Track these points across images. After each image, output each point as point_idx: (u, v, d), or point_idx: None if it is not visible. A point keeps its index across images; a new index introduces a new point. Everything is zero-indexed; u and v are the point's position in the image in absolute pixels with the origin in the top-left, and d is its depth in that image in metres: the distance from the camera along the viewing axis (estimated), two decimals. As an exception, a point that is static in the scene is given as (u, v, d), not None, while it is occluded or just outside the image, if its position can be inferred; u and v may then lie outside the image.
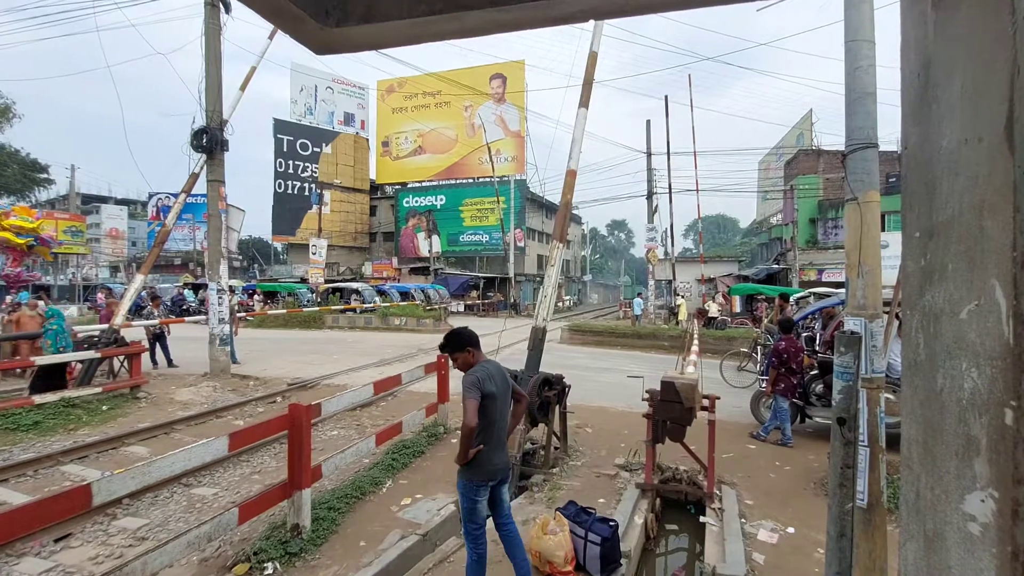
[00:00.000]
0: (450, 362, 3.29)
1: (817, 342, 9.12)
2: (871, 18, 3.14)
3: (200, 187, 11.44)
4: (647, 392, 4.82)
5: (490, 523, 3.25)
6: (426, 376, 7.20)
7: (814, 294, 11.65)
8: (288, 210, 41.10)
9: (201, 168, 10.89)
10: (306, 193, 40.87)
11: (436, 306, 26.37)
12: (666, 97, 21.73)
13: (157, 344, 11.55)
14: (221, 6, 10.65)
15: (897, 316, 2.98)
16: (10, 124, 39.58)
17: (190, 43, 12.09)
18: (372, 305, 23.82)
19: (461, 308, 31.54)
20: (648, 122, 25.07)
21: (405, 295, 27.21)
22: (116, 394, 8.50)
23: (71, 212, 41.33)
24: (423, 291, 28.83)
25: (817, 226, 27.36)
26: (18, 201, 38.38)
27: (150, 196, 45.85)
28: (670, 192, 22.38)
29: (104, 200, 55.64)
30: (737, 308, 23.52)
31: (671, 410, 4.58)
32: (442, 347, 3.29)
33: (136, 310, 13.38)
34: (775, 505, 4.94)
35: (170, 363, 11.49)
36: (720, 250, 56.81)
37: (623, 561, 3.71)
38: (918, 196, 0.84)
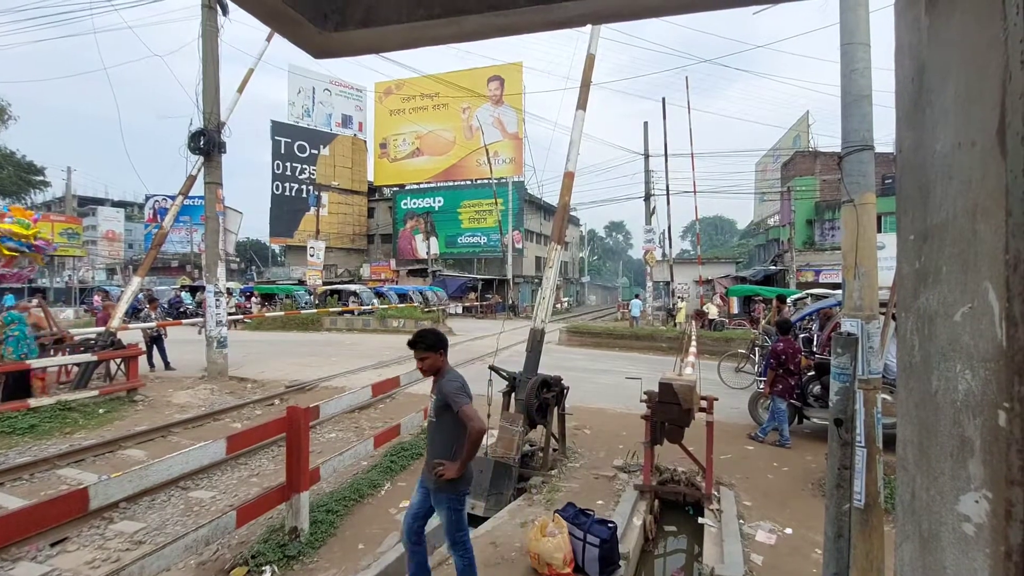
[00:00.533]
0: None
1: (815, 343, 9.16)
2: (867, 22, 3.17)
3: (197, 189, 11.43)
4: (645, 393, 4.82)
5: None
6: (424, 378, 7.17)
7: (811, 295, 11.69)
8: (286, 212, 41.04)
9: (198, 170, 10.88)
10: (304, 195, 40.78)
11: (434, 308, 26.37)
12: (663, 99, 21.84)
13: (154, 347, 11.50)
14: (218, 8, 10.65)
15: (894, 317, 2.99)
16: (5, 126, 39.57)
17: (187, 45, 12.07)
18: (370, 307, 23.78)
19: (459, 310, 31.52)
20: (646, 124, 25.16)
21: (403, 297, 27.19)
22: (113, 397, 8.47)
23: (67, 214, 41.19)
24: (421, 293, 28.82)
25: (814, 227, 27.43)
26: (14, 203, 38.15)
27: (147, 198, 45.64)
28: (668, 194, 22.44)
29: (101, 202, 55.36)
30: (735, 309, 23.56)
31: (669, 411, 4.58)
32: (415, 344, 2.91)
33: (133, 312, 13.36)
34: (773, 506, 4.96)
35: (167, 366, 11.44)
36: (718, 251, 56.83)
37: (622, 563, 3.71)
38: (912, 200, 0.85)
